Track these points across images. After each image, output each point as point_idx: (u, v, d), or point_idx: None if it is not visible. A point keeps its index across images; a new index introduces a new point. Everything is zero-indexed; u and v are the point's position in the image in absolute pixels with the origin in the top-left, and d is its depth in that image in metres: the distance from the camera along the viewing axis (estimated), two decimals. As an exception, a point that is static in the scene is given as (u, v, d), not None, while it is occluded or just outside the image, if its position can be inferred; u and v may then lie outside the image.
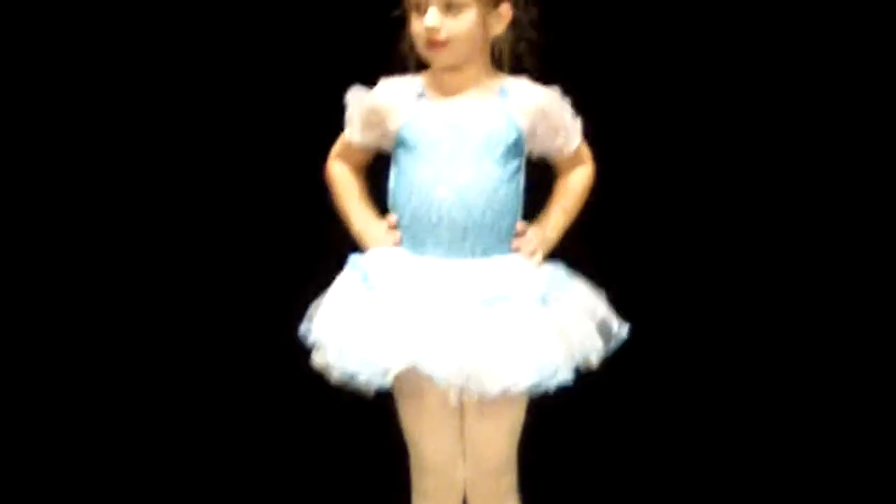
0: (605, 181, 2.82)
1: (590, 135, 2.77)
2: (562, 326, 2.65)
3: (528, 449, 2.76)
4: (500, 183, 2.66)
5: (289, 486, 3.55)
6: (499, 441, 2.71)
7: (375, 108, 2.71)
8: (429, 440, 2.71)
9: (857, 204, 3.54)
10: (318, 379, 2.62)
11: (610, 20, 3.43)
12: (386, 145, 2.74)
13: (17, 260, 3.57)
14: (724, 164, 3.53)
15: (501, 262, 2.66)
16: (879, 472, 3.53)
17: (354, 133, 2.75)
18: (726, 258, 3.57)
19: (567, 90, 2.72)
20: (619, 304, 2.73)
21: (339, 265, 2.70)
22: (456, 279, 2.62)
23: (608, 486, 3.52)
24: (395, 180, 2.71)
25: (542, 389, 2.61)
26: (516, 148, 2.68)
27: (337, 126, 2.78)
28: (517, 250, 2.69)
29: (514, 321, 2.60)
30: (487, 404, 2.64)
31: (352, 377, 2.58)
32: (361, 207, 2.77)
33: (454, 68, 2.67)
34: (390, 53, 2.73)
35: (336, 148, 2.81)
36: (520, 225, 2.70)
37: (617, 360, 2.72)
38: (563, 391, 2.62)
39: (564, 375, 2.62)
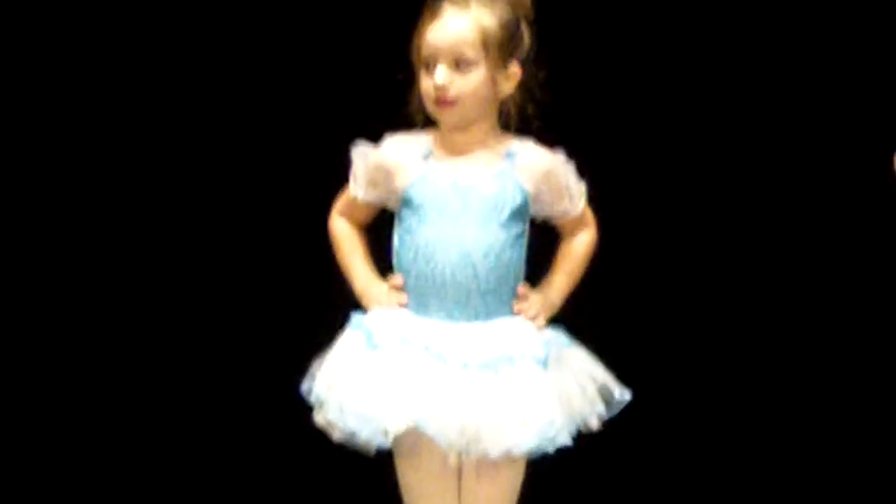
0: (609, 245, 2.83)
1: (595, 199, 2.78)
2: (563, 390, 2.65)
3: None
4: (504, 246, 2.66)
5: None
6: (497, 502, 2.70)
7: (381, 165, 2.71)
8: (427, 501, 2.70)
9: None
10: (320, 436, 2.62)
11: (617, 82, 3.45)
12: (391, 204, 2.73)
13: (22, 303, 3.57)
14: (728, 233, 3.54)
15: (504, 325, 2.66)
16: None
17: (359, 190, 2.75)
18: (729, 326, 3.57)
19: (572, 153, 2.72)
20: (621, 368, 2.73)
21: (343, 321, 2.69)
22: (458, 341, 2.62)
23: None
24: (400, 240, 2.70)
25: (541, 452, 2.61)
26: (522, 211, 2.69)
27: (342, 181, 2.78)
28: (519, 313, 2.69)
29: (516, 384, 2.60)
30: (486, 466, 2.63)
31: (352, 435, 2.57)
32: (363, 266, 2.76)
33: (462, 128, 2.67)
34: (397, 109, 2.73)
35: (339, 204, 2.80)
36: (522, 288, 2.70)
37: (615, 421, 2.72)
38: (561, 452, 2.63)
39: (564, 439, 2.62)
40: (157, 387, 3.58)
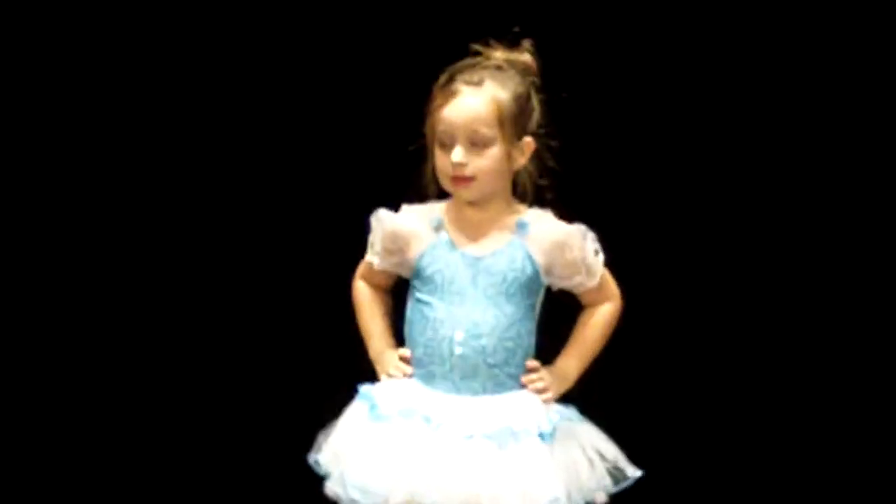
0: (628, 319, 2.77)
1: (617, 270, 2.72)
2: (570, 462, 2.62)
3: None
4: (513, 321, 2.64)
5: None
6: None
7: (396, 234, 2.71)
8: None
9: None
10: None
11: (635, 149, 3.41)
12: (404, 272, 2.74)
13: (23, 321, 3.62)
14: (747, 316, 3.47)
15: (510, 399, 2.64)
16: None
17: (375, 257, 2.76)
18: (747, 412, 3.50)
19: (592, 224, 2.67)
20: (631, 447, 2.69)
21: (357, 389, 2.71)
22: (463, 413, 2.60)
23: None
24: (411, 310, 2.71)
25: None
26: (532, 284, 2.66)
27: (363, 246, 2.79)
28: (527, 385, 2.66)
29: (519, 457, 2.57)
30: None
31: (354, 505, 2.60)
32: (380, 332, 2.78)
33: (477, 203, 2.66)
34: (412, 179, 2.73)
35: (361, 268, 2.82)
36: (531, 362, 2.67)
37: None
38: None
39: None
40: (172, 456, 3.61)
